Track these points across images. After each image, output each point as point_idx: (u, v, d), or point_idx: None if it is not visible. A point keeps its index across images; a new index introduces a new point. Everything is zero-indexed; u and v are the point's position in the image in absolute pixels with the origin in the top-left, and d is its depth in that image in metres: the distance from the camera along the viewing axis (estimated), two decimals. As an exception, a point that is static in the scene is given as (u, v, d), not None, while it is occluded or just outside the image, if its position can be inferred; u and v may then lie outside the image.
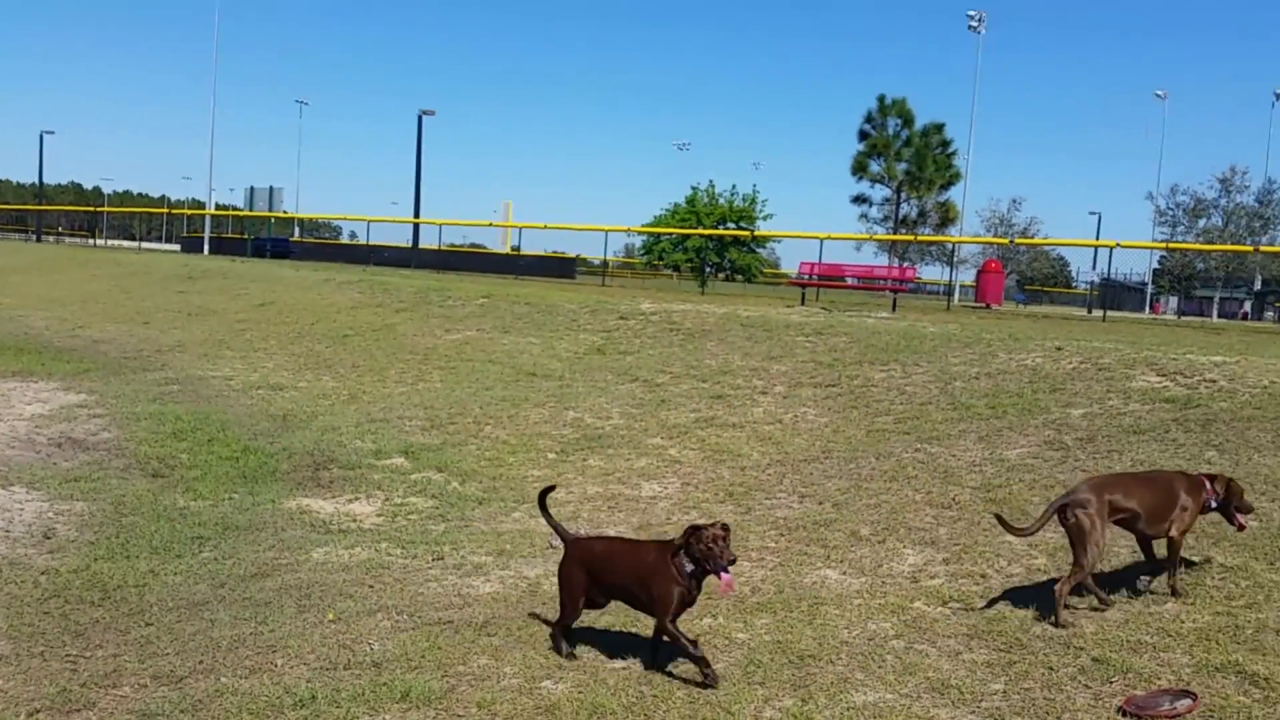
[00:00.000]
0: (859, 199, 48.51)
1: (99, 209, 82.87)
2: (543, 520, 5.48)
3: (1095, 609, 5.35)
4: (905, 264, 41.22)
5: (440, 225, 42.65)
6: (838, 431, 9.47)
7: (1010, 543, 6.41)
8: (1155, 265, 62.11)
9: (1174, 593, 5.44)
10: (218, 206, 64.34)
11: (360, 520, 7.74)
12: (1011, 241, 51.94)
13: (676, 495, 8.20)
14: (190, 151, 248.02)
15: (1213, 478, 5.72)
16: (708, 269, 40.31)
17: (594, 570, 5.04)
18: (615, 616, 5.55)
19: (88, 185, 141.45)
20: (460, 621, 5.47)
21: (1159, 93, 70.13)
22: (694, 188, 43.36)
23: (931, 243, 45.57)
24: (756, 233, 41.42)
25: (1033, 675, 4.64)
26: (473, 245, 56.39)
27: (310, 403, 11.87)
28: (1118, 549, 6.09)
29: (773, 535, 7.03)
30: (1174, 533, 5.49)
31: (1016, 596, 5.63)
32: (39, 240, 61.88)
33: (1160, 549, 5.65)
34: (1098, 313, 29.33)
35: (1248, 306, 59.57)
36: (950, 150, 47.06)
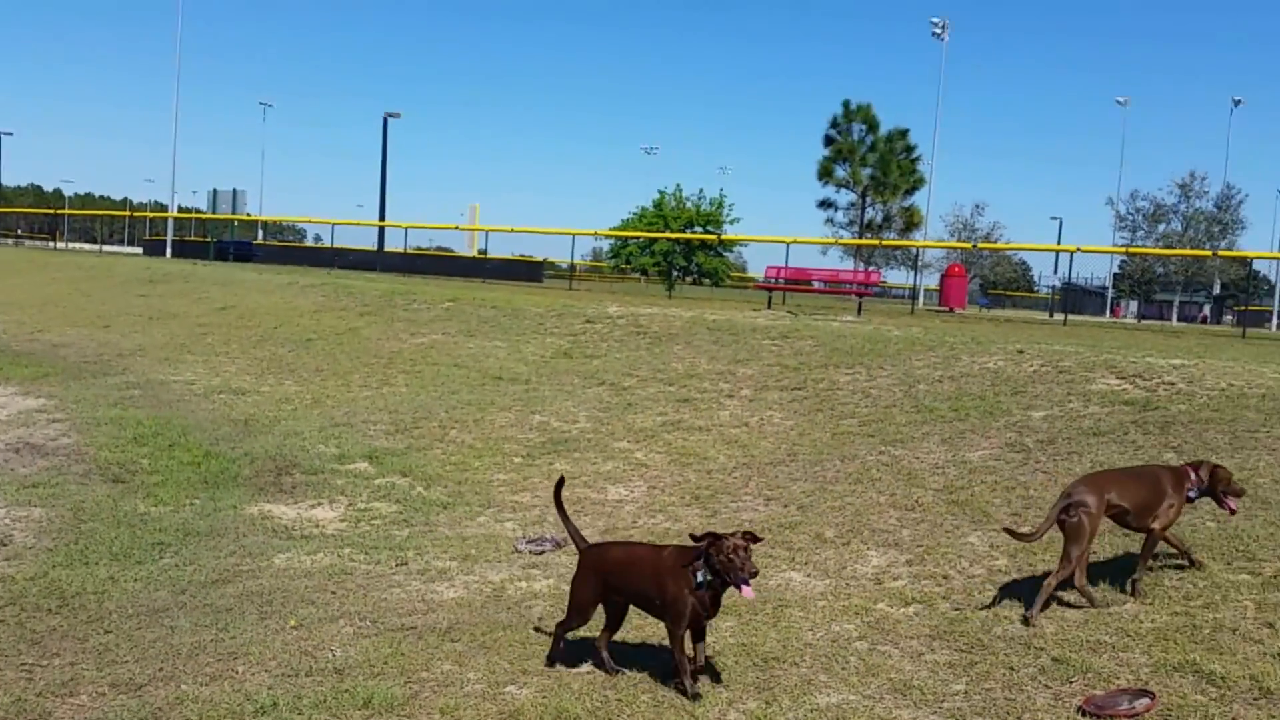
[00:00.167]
0: (825, 203, 48.81)
1: (59, 211, 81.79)
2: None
3: (1079, 606, 5.40)
4: (870, 268, 41.50)
5: (406, 228, 42.46)
6: (803, 434, 9.52)
7: (972, 544, 6.47)
8: (1116, 270, 62.96)
9: (1133, 590, 5.50)
10: (180, 209, 63.66)
11: (323, 526, 7.68)
12: (974, 246, 52.46)
13: (643, 499, 8.20)
14: (153, 153, 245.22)
15: (1197, 465, 5.83)
16: (675, 272, 40.42)
17: (610, 577, 4.89)
18: (580, 620, 5.54)
19: (48, 187, 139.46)
20: (423, 627, 5.44)
21: (1120, 99, 71.12)
22: (661, 192, 43.50)
23: (896, 247, 45.93)
24: (723, 236, 41.57)
25: (994, 676, 4.69)
26: (439, 249, 56.11)
27: (273, 407, 11.77)
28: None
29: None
30: (1155, 525, 5.57)
31: (978, 597, 5.68)
32: (-3, 243, 60.96)
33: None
34: (1059, 316, 29.68)
35: (1207, 310, 60.49)
36: (914, 155, 47.48)
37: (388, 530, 7.55)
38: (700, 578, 4.57)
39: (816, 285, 29.16)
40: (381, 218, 46.10)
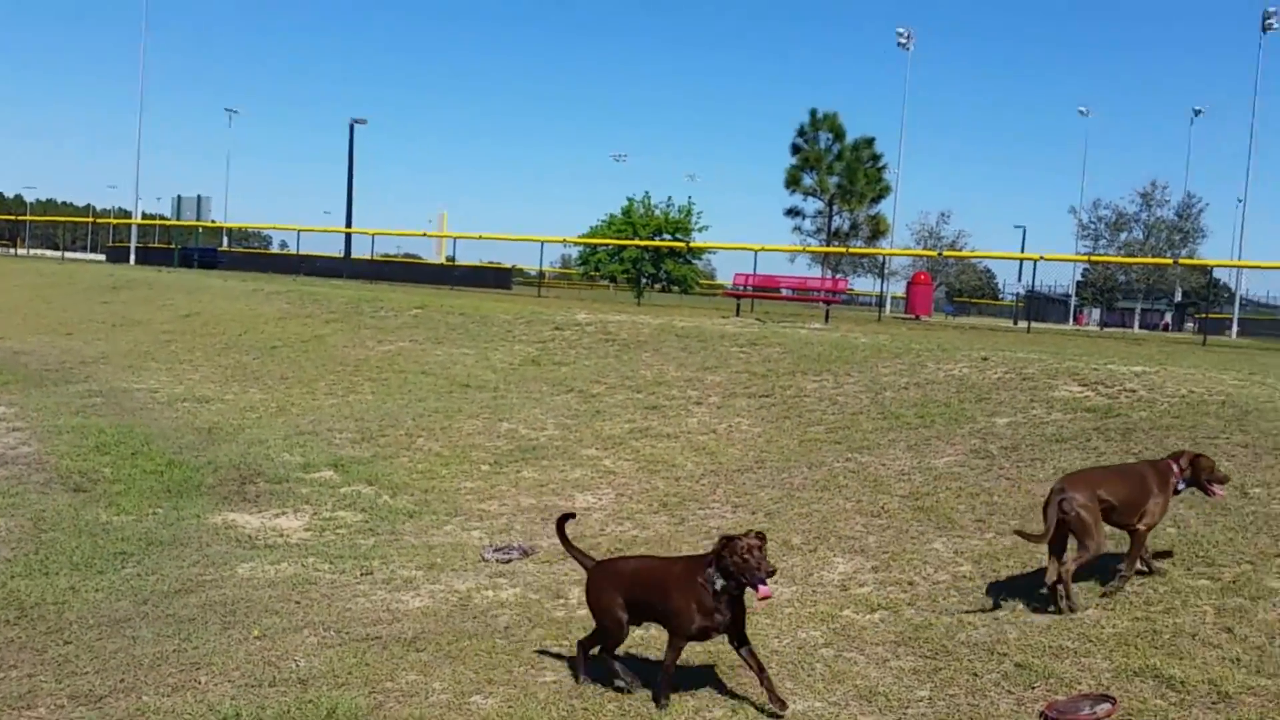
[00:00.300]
0: (792, 211, 49.04)
1: (20, 218, 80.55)
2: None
3: (1043, 612, 5.45)
4: (838, 276, 41.75)
5: (373, 235, 42.26)
6: (771, 441, 9.55)
7: (937, 550, 6.52)
8: (1079, 278, 63.65)
9: (1108, 590, 5.58)
10: (144, 215, 62.88)
11: (287, 535, 7.62)
12: (940, 254, 52.89)
13: (610, 506, 8.20)
14: (117, 159, 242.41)
15: (1177, 457, 5.92)
16: (644, 280, 40.45)
17: (625, 590, 4.79)
18: (545, 629, 5.53)
19: (9, 193, 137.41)
20: (388, 637, 5.41)
21: (1082, 109, 72.02)
22: (630, 199, 43.53)
23: (863, 255, 46.24)
24: (692, 244, 41.66)
25: (958, 682, 4.72)
26: (406, 255, 55.93)
27: (237, 415, 11.67)
28: (1035, 555, 6.22)
29: (706, 546, 7.05)
30: (1140, 525, 5.66)
31: (943, 603, 5.72)
32: (-44, 249, 59.99)
33: (1165, 538, 5.82)
34: (1023, 324, 29.98)
35: (1168, 318, 61.29)
36: (880, 164, 47.83)
37: (353, 539, 7.50)
38: (717, 584, 4.47)
39: (784, 292, 29.27)
40: (348, 224, 45.89)
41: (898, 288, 50.17)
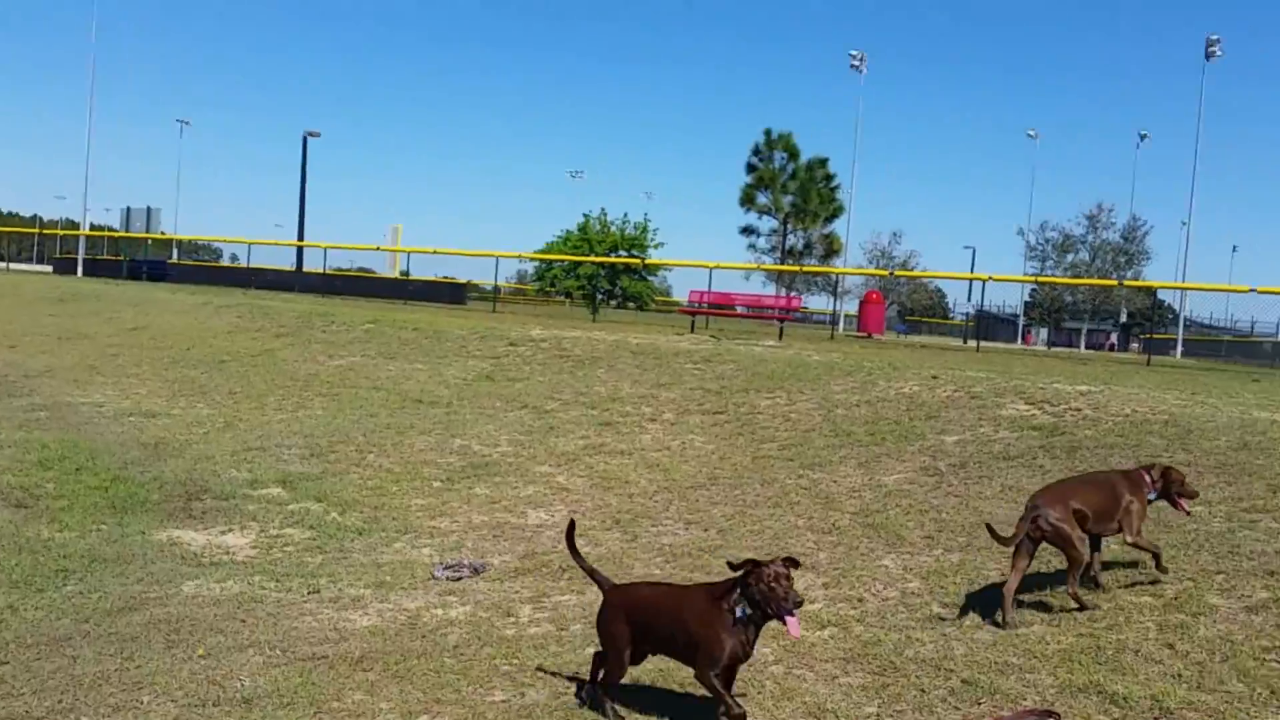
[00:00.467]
0: (747, 230, 49.43)
1: (-37, 227, 78.94)
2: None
3: (989, 628, 5.51)
4: (792, 294, 42.05)
5: (325, 248, 41.79)
6: (724, 458, 9.58)
7: (886, 567, 6.58)
8: (1027, 298, 64.66)
9: (1160, 569, 5.80)
10: (93, 226, 61.94)
11: (233, 552, 7.51)
12: (892, 273, 53.46)
13: (563, 523, 8.15)
14: (65, 169, 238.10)
15: (1149, 468, 6.04)
16: (600, 296, 40.45)
17: (637, 620, 4.54)
18: (495, 648, 5.50)
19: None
20: (335, 656, 5.34)
21: (1030, 132, 73.35)
22: (586, 215, 43.59)
23: (816, 273, 46.66)
24: (647, 260, 41.74)
25: (905, 698, 4.76)
26: (360, 269, 55.37)
27: (184, 430, 11.49)
28: (983, 571, 6.29)
29: (659, 562, 7.07)
30: (1129, 538, 5.82)
31: (892, 620, 5.76)
32: (-105, 259, 58.58)
33: (1108, 552, 5.95)
34: (973, 343, 30.38)
35: (1114, 338, 62.42)
36: (834, 184, 48.39)
37: (300, 557, 7.41)
38: (740, 612, 4.22)
39: (739, 310, 29.47)
40: (300, 237, 45.40)
41: (851, 306, 50.61)
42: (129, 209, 50.72)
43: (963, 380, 11.37)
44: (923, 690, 4.82)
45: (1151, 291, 43.85)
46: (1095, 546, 5.94)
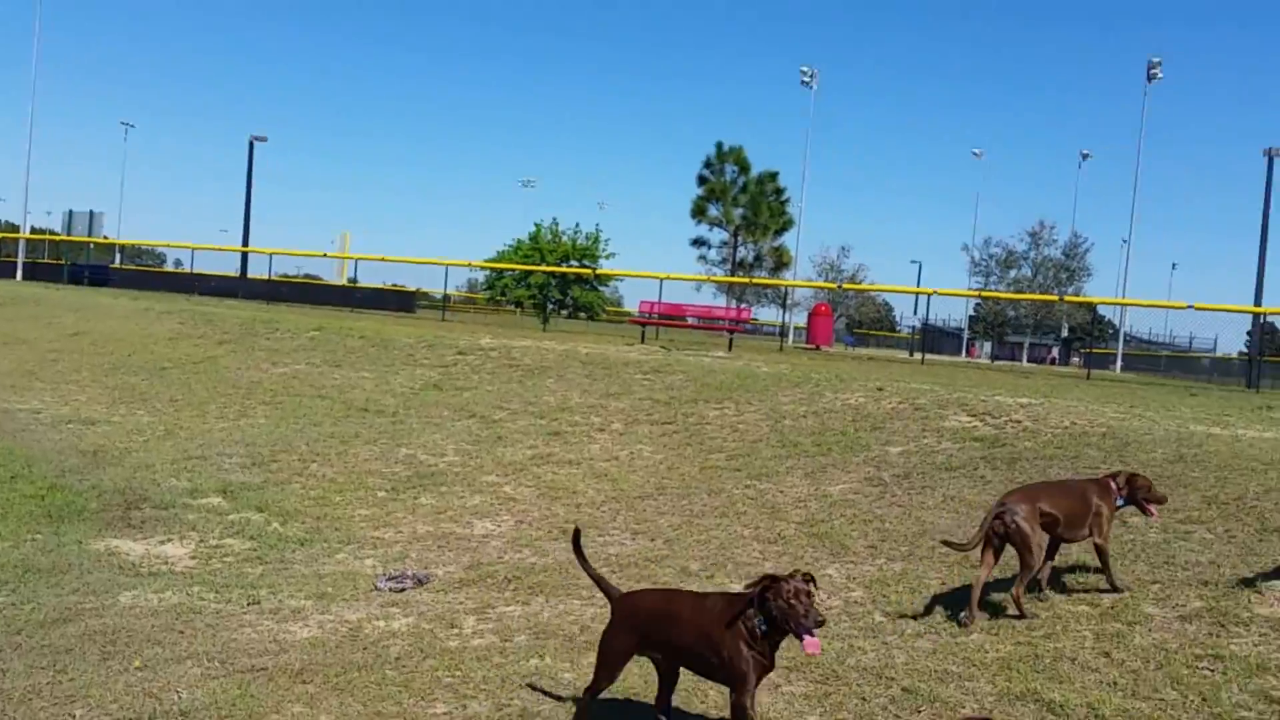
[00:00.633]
0: (698, 241, 49.44)
1: (-106, 228, 76.89)
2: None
3: (929, 635, 5.57)
4: (742, 305, 42.26)
5: (271, 254, 41.29)
6: (672, 469, 9.60)
7: (830, 576, 6.62)
8: (971, 312, 65.53)
9: (1113, 588, 5.90)
10: (33, 230, 60.52)
11: (172, 563, 7.38)
12: (840, 286, 53.95)
13: (509, 533, 8.13)
14: (4, 171, 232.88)
15: (1115, 475, 6.19)
16: (550, 306, 40.35)
17: (648, 631, 4.34)
18: (438, 660, 5.45)
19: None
20: (274, 668, 5.26)
21: (976, 151, 74.52)
22: (537, 224, 43.45)
23: (766, 286, 46.94)
24: (598, 271, 41.75)
25: (847, 706, 4.79)
26: (306, 276, 54.71)
27: (124, 438, 11.28)
28: (925, 581, 6.36)
29: (605, 572, 7.03)
30: (1098, 539, 5.94)
31: (835, 629, 5.80)
32: None
33: (1075, 557, 6.07)
34: (918, 355, 30.74)
35: (1055, 352, 63.42)
36: (784, 198, 48.57)
37: (240, 568, 7.30)
38: (760, 628, 4.08)
39: (690, 321, 29.57)
40: (245, 243, 44.84)
41: (800, 318, 51.02)
42: (71, 212, 49.76)
43: (908, 392, 11.50)
44: (864, 699, 4.86)
45: (1092, 307, 44.66)
46: (1051, 555, 6.05)
